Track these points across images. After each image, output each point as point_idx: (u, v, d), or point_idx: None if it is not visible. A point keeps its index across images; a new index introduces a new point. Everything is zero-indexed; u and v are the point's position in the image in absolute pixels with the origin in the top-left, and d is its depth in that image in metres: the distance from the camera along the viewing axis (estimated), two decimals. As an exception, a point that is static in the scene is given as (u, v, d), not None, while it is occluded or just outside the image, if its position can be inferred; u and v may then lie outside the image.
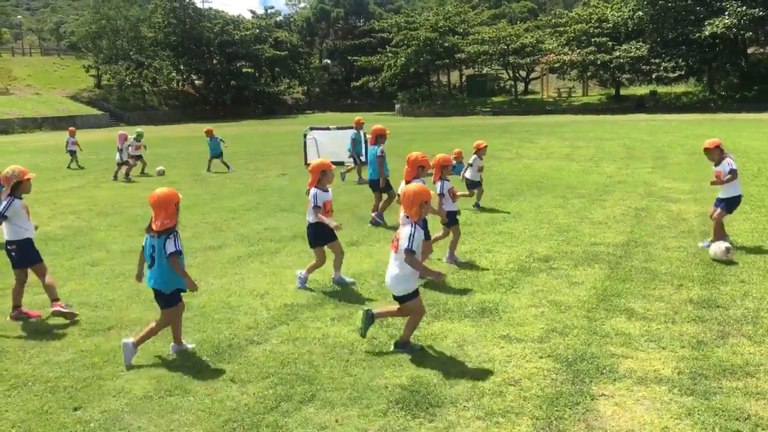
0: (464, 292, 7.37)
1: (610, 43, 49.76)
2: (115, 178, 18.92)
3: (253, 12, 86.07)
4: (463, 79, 68.42)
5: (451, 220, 8.47)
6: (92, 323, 6.71)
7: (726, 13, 43.07)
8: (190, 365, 5.60)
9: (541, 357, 5.54)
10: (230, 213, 12.87)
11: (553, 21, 57.08)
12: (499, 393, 4.93)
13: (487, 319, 6.49)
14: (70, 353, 5.94)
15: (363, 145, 16.49)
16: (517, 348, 5.74)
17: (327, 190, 7.50)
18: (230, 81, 68.66)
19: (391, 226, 10.87)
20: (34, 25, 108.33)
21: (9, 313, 6.96)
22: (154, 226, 5.55)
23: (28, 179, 7.05)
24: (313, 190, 7.42)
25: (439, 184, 8.34)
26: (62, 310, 6.78)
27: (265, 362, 5.61)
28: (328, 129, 21.24)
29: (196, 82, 73.43)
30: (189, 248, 9.90)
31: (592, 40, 50.34)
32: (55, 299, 6.85)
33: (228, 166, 20.18)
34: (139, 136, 20.28)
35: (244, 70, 70.09)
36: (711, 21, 43.38)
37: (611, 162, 18.13)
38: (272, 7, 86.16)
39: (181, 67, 69.52)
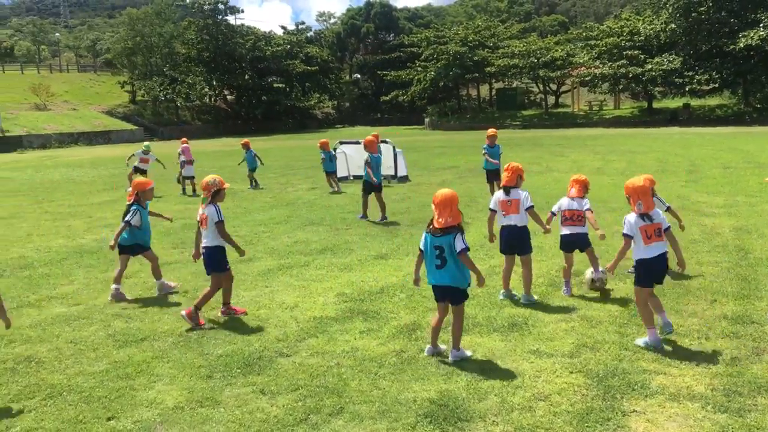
0: (493, 306, 7.34)
1: (642, 56, 49.34)
2: (184, 191, 18.72)
3: (284, 28, 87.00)
4: (493, 92, 68.36)
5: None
6: (126, 334, 6.83)
7: (761, 24, 42.50)
8: (221, 377, 5.66)
9: (572, 372, 5.49)
10: (261, 226, 13.00)
11: (584, 34, 56.77)
12: (528, 408, 4.90)
13: (517, 333, 6.46)
14: (104, 364, 6.05)
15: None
16: (547, 363, 5.70)
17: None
18: (261, 96, 69.55)
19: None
20: (71, 42, 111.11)
21: (219, 308, 7.41)
22: (436, 224, 5.71)
23: (225, 188, 7.40)
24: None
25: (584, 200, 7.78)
26: (188, 319, 7.08)
27: (295, 374, 5.65)
28: (357, 143, 21.33)
29: (228, 97, 74.48)
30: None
31: (624, 53, 49.95)
32: (198, 307, 7.20)
33: (253, 182, 19.80)
34: (147, 149, 19.64)
35: (275, 85, 70.97)
36: (745, 33, 42.83)
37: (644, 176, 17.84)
38: (303, 23, 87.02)
39: (214, 83, 70.58)
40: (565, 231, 7.78)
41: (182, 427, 4.81)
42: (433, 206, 5.81)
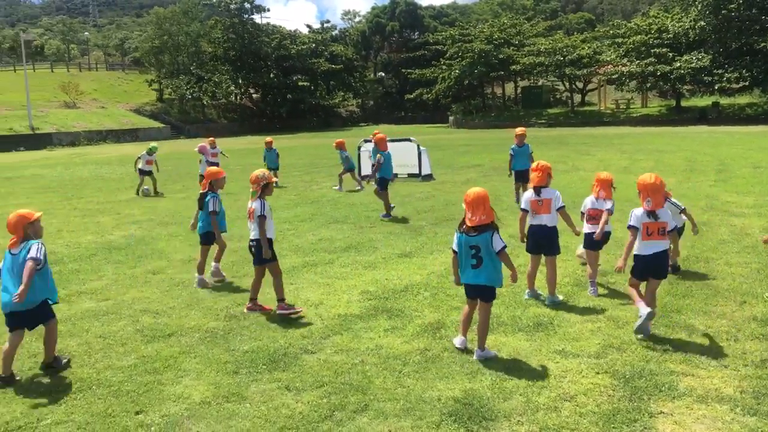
0: (518, 305, 7.31)
1: (670, 53, 48.67)
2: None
3: (309, 26, 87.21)
4: (518, 90, 67.96)
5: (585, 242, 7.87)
6: (153, 330, 6.92)
7: (793, 22, 41.71)
8: (247, 372, 5.72)
9: (598, 373, 5.45)
10: (285, 224, 13.06)
11: (612, 32, 56.14)
12: (554, 408, 4.88)
13: (542, 333, 6.43)
14: (132, 358, 6.14)
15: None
16: (573, 363, 5.67)
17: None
18: (286, 94, 69.91)
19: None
20: (100, 41, 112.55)
21: (245, 304, 7.54)
22: (469, 223, 5.73)
23: (273, 182, 7.69)
24: None
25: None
26: (285, 312, 7.23)
27: (319, 371, 5.68)
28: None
29: (254, 95, 74.99)
30: (245, 258, 10.11)
31: (652, 50, 49.31)
32: (281, 299, 7.33)
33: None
34: (151, 150, 19.13)
35: (299, 83, 71.30)
36: (777, 30, 42.09)
37: (672, 175, 17.69)
38: (328, 21, 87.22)
39: (240, 81, 71.08)
40: (588, 229, 7.74)
41: (209, 422, 4.87)
42: (464, 205, 5.81)
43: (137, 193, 18.65)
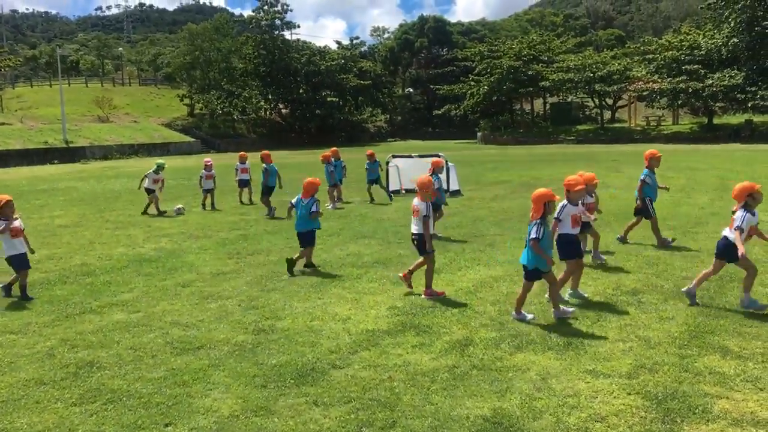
0: (548, 323, 7.24)
1: (702, 70, 48.17)
2: (204, 206, 18.31)
3: (338, 42, 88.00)
4: (547, 106, 67.68)
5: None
6: (183, 342, 6.97)
7: (829, 38, 41.04)
8: (275, 387, 5.73)
9: (629, 393, 5.37)
10: (314, 238, 13.09)
11: (642, 48, 55.83)
12: (584, 429, 4.80)
13: (572, 352, 6.35)
14: (162, 371, 6.19)
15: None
16: (604, 383, 5.58)
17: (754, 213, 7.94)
18: (315, 110, 70.39)
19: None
20: (133, 57, 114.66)
21: (413, 289, 8.71)
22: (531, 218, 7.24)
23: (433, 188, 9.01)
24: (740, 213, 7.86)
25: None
26: (430, 296, 8.45)
27: (347, 387, 5.67)
28: (410, 156, 21.41)
29: (283, 110, 75.64)
30: (274, 272, 10.18)
31: (683, 67, 48.84)
32: (428, 285, 8.54)
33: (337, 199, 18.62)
34: (158, 168, 17.85)
35: (328, 99, 71.74)
36: (812, 47, 41.45)
37: (704, 193, 17.44)
38: (357, 38, 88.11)
39: (269, 97, 71.81)
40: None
41: (237, 436, 4.88)
42: None
43: (145, 212, 17.47)
